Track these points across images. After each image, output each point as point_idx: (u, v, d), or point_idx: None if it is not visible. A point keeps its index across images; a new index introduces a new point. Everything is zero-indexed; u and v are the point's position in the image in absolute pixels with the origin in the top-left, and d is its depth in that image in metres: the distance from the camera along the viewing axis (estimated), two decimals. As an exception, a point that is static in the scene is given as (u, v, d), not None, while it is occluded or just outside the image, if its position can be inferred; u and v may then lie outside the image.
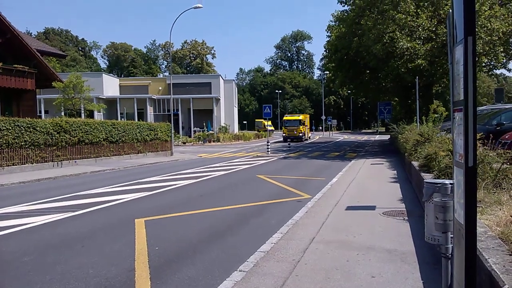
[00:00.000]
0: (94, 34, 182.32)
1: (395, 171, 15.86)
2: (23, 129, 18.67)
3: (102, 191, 12.43)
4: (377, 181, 13.22)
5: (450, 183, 3.57)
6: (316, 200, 10.03)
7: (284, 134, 50.58)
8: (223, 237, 6.93)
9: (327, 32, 36.34)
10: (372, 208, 8.81)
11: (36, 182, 15.67)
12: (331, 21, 35.41)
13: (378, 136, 64.63)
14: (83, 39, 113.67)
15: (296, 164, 21.25)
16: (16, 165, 18.27)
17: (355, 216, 8.11)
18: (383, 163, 19.48)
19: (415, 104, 22.30)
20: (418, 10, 25.40)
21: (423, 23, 24.67)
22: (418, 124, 18.44)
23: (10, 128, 18.06)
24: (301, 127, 49.83)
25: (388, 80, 32.18)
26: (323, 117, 71.52)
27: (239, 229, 7.52)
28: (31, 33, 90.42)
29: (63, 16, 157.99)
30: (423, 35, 24.92)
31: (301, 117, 52.00)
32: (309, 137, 57.40)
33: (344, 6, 32.50)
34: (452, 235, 3.17)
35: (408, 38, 24.61)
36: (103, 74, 57.53)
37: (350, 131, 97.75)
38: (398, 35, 24.45)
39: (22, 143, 18.57)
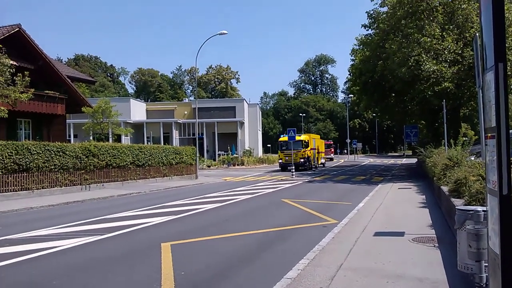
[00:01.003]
0: (122, 61, 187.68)
1: (424, 196, 15.52)
2: (53, 153, 19.16)
3: (129, 215, 12.56)
4: (405, 206, 12.95)
5: (483, 210, 3.48)
6: (342, 225, 9.87)
7: (280, 161, 38.16)
8: (249, 263, 6.88)
9: (351, 56, 36.46)
10: (401, 234, 8.61)
11: (64, 205, 15.97)
12: (355, 44, 35.58)
13: (405, 159, 63.57)
14: (111, 65, 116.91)
15: (321, 188, 21.05)
16: (45, 188, 18.69)
17: (384, 243, 7.93)
18: (411, 187, 19.11)
19: (443, 128, 21.92)
20: (444, 33, 25.24)
21: (449, 46, 24.46)
22: (446, 147, 18.08)
23: (41, 152, 18.57)
24: (303, 150, 37.35)
25: (414, 103, 31.85)
26: (348, 141, 70.91)
27: (264, 254, 7.45)
28: (62, 59, 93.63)
29: (92, 43, 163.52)
30: (449, 58, 24.67)
31: (302, 137, 38.93)
32: (322, 164, 45.81)
33: (368, 30, 32.65)
34: (486, 264, 3.07)
35: (434, 61, 24.40)
36: (131, 99, 58.88)
37: (375, 154, 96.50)
38: (424, 58, 24.28)
39: (52, 167, 19.03)
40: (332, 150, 64.26)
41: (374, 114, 56.26)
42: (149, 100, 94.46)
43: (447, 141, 18.33)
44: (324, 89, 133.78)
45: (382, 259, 6.73)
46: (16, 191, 17.45)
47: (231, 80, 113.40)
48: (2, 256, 7.35)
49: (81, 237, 9.01)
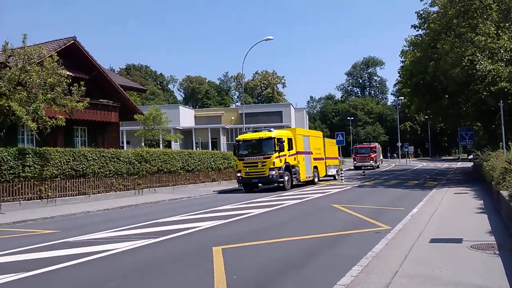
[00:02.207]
0: (171, 69, 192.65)
1: (481, 201, 14.77)
2: (108, 159, 19.91)
3: (181, 219, 12.81)
4: (462, 212, 12.37)
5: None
6: (396, 231, 9.56)
7: (239, 175, 23.19)
8: (300, 268, 6.79)
9: (401, 57, 35.39)
10: (459, 241, 8.22)
11: (119, 209, 16.52)
12: (404, 46, 34.55)
13: (460, 163, 60.99)
14: (161, 73, 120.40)
15: (372, 193, 20.56)
16: (101, 193, 19.43)
17: (440, 249, 7.60)
18: (467, 192, 18.26)
19: (500, 129, 20.82)
20: (499, 31, 24.03)
21: (505, 44, 23.24)
22: (505, 150, 17.16)
23: (96, 158, 19.34)
24: (276, 155, 22.28)
25: (469, 104, 30.50)
26: (399, 144, 68.99)
27: (316, 260, 7.33)
28: (114, 69, 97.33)
29: (142, 53, 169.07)
30: (506, 57, 23.42)
31: (275, 133, 22.97)
32: (332, 176, 30.73)
33: (418, 30, 31.70)
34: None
35: (490, 61, 23.27)
36: (180, 106, 60.33)
37: (428, 158, 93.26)
38: (479, 57, 23.21)
39: (107, 172, 19.77)
40: (373, 156, 50.44)
41: (426, 117, 54.42)
42: (197, 107, 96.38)
43: (505, 144, 17.38)
44: (372, 92, 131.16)
45: (439, 266, 6.44)
46: (73, 195, 18.26)
47: (277, 85, 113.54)
48: (61, 258, 7.67)
49: (136, 240, 9.26)
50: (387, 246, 8.00)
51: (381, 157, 70.27)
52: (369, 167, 42.47)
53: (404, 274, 6.10)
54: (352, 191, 21.42)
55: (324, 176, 29.16)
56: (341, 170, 29.75)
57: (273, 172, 21.87)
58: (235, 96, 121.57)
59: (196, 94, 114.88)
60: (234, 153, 24.23)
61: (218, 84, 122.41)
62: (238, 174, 23.12)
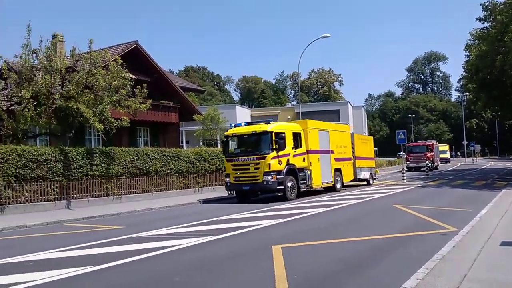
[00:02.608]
0: (228, 69, 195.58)
1: (559, 203, 13.71)
2: (169, 158, 20.53)
3: (240, 217, 12.95)
4: (537, 214, 11.55)
5: None
6: (464, 233, 9.08)
7: (228, 180, 18.39)
8: (362, 269, 6.62)
9: (466, 52, 33.63)
10: (534, 244, 7.67)
11: (180, 206, 16.99)
12: (469, 39, 32.78)
13: (532, 162, 57.09)
14: (218, 74, 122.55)
15: (436, 193, 19.71)
16: (163, 190, 20.08)
17: (514, 253, 7.12)
18: (542, 193, 17.04)
19: None
20: None
21: None
22: None
23: (158, 157, 20.00)
24: (273, 155, 17.29)
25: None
26: (465, 142, 65.72)
27: (378, 261, 7.12)
28: (173, 71, 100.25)
29: (200, 55, 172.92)
30: None
31: (273, 126, 17.80)
32: (366, 180, 25.81)
33: (483, 23, 30.00)
34: None
35: None
36: (236, 106, 61.04)
37: (496, 157, 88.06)
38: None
39: (168, 171, 20.39)
40: (429, 155, 43.51)
41: (493, 113, 51.39)
42: (253, 106, 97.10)
43: None
44: (435, 88, 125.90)
45: (511, 270, 6.04)
46: (137, 193, 19.00)
47: (334, 83, 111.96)
48: (126, 253, 7.99)
49: (197, 237, 9.47)
50: (455, 249, 7.62)
51: (448, 156, 67.81)
52: (424, 168, 34.62)
53: (473, 278, 5.77)
54: (415, 192, 20.65)
55: (352, 181, 23.94)
56: (404, 171, 28.64)
57: (269, 177, 16.72)
58: (291, 95, 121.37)
59: (252, 94, 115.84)
60: (223, 152, 19.87)
61: (273, 83, 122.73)
62: (227, 179, 18.16)
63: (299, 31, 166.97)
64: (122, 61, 18.40)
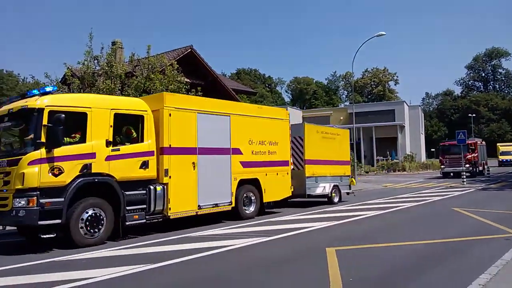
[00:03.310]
0: (279, 71, 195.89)
1: None
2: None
3: (291, 219, 12.94)
4: None
5: None
6: (530, 238, 8.60)
7: None
8: (421, 273, 6.45)
9: (532, 46, 31.71)
10: None
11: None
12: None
13: None
14: (269, 76, 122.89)
15: (499, 196, 18.76)
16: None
17: None
18: None
19: None
20: None
21: None
22: None
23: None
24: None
25: None
26: (529, 143, 61.88)
27: (438, 265, 6.90)
28: (226, 74, 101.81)
29: (252, 57, 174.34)
30: None
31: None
32: (351, 193, 19.36)
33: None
34: None
35: None
36: (288, 107, 60.89)
37: None
38: None
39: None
40: (470, 157, 34.47)
41: None
42: (304, 108, 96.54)
43: None
44: (497, 86, 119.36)
45: None
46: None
47: (389, 82, 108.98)
48: (184, 252, 8.23)
49: (251, 238, 9.59)
50: (520, 255, 7.24)
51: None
52: (465, 173, 27.61)
53: (542, 287, 5.47)
54: (475, 194, 19.75)
55: (296, 196, 15.74)
56: (463, 172, 27.31)
57: (22, 203, 8.36)
58: (344, 96, 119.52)
59: (304, 95, 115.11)
60: None
61: (325, 84, 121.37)
62: None
63: (353, 30, 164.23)
64: (178, 65, 18.93)
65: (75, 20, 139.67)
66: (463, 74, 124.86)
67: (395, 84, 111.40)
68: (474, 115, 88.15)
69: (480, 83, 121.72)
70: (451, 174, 33.87)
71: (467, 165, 32.15)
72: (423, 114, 71.82)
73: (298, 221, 12.35)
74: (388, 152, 52.86)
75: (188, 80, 21.38)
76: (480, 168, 36.50)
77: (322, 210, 14.94)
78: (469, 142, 34.45)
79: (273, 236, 9.75)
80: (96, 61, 18.23)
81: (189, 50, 24.98)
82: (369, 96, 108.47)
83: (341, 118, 60.13)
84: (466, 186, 24.08)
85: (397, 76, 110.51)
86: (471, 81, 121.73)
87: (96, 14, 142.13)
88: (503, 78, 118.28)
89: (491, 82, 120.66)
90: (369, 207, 15.48)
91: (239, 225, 11.70)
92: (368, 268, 6.82)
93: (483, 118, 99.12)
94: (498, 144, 63.74)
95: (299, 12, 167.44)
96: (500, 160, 58.69)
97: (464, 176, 26.53)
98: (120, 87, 18.07)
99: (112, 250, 8.74)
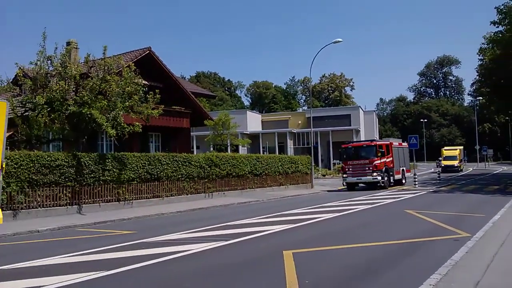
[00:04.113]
0: (238, 75, 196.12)
1: None
2: (180, 163, 20.61)
3: (250, 222, 12.95)
4: (552, 220, 11.38)
5: None
6: (477, 239, 8.99)
7: None
8: (374, 275, 6.58)
9: (479, 55, 33.39)
10: (550, 251, 7.56)
11: (191, 211, 17.04)
12: (483, 43, 32.53)
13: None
14: (229, 80, 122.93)
15: (448, 198, 19.53)
16: (173, 195, 20.15)
17: (529, 260, 7.03)
18: (557, 199, 16.79)
19: None
20: None
21: None
22: None
23: (170, 162, 20.09)
24: None
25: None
26: (477, 147, 65.01)
27: (389, 267, 7.08)
28: (185, 77, 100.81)
29: (211, 61, 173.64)
30: None
31: None
32: None
33: (497, 26, 29.75)
34: None
35: None
36: (247, 111, 61.17)
37: (509, 162, 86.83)
38: None
39: (179, 176, 20.47)
40: (379, 163, 26.47)
41: (507, 118, 50.75)
42: (264, 111, 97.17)
43: None
44: (448, 92, 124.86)
45: (528, 278, 5.96)
46: (148, 198, 19.09)
47: (345, 88, 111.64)
48: (139, 258, 8.04)
49: (208, 242, 9.49)
50: (467, 255, 7.55)
51: (457, 163, 50.64)
52: (374, 183, 25.57)
53: (487, 285, 5.72)
54: (427, 197, 20.49)
55: None
56: (415, 175, 28.28)
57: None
58: (302, 100, 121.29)
59: (263, 99, 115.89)
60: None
61: (284, 88, 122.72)
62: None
63: (311, 36, 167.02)
64: (135, 67, 18.56)
65: (28, 19, 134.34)
66: (416, 81, 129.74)
67: (351, 90, 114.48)
68: (425, 120, 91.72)
69: (431, 90, 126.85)
70: (358, 185, 28.01)
71: (375, 173, 26.12)
72: (377, 119, 74.02)
73: (256, 224, 12.34)
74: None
75: (146, 83, 21.02)
76: (398, 176, 29.38)
77: (280, 213, 15.02)
78: (378, 143, 28.62)
79: (230, 240, 9.68)
80: (49, 61, 17.61)
81: (147, 52, 24.58)
82: (326, 101, 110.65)
83: (299, 122, 60.96)
84: (418, 189, 24.94)
85: (353, 82, 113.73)
86: (423, 88, 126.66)
87: (51, 14, 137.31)
88: (453, 85, 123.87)
89: (442, 88, 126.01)
90: (326, 209, 15.72)
91: (197, 229, 11.58)
92: (324, 270, 6.90)
93: (434, 123, 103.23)
94: (442, 149, 58.73)
95: (259, 17, 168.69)
96: (443, 166, 50.14)
97: (416, 178, 27.44)
98: (74, 89, 17.51)
99: (64, 257, 8.42)
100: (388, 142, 29.73)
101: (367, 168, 25.76)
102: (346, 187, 27.77)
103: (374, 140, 31.31)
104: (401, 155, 30.45)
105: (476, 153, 69.07)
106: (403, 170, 30.46)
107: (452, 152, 53.74)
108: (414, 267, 7.06)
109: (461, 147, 59.17)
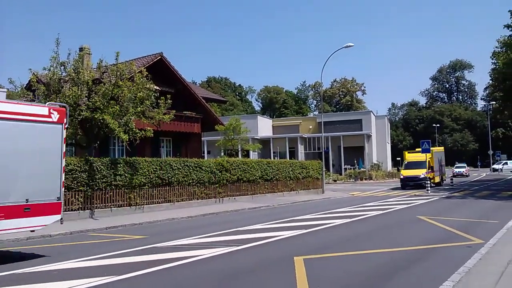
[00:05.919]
0: (249, 80, 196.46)
1: None
2: (191, 168, 20.68)
3: (261, 227, 12.93)
4: None
5: None
6: (490, 245, 8.87)
7: None
8: (386, 281, 6.54)
9: (492, 59, 33.05)
10: None
11: (201, 216, 17.07)
12: (496, 47, 32.22)
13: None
14: (239, 85, 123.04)
15: (461, 204, 19.31)
16: (184, 200, 20.20)
17: (544, 267, 6.92)
18: None
19: None
20: None
21: None
22: None
23: (181, 167, 20.17)
24: None
25: None
26: (490, 152, 64.20)
27: (403, 274, 7.02)
28: (196, 82, 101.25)
29: (223, 66, 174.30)
30: None
31: None
32: None
33: (511, 30, 29.42)
34: None
35: None
36: (258, 116, 61.15)
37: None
38: None
39: (190, 181, 20.53)
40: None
41: (521, 122, 50.08)
42: (274, 116, 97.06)
43: None
44: (460, 97, 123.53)
45: (544, 286, 5.87)
46: (159, 203, 19.17)
47: (357, 93, 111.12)
48: (150, 263, 8.08)
49: (219, 247, 9.51)
50: (481, 261, 7.46)
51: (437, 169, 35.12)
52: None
53: (501, 293, 5.64)
54: (439, 203, 20.27)
55: None
56: (428, 181, 28.03)
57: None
58: (313, 105, 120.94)
59: (274, 104, 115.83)
60: None
61: (295, 93, 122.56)
62: None
63: (322, 41, 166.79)
64: (147, 72, 18.70)
65: (42, 24, 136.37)
66: (428, 85, 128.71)
67: (362, 94, 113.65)
68: (438, 125, 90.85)
69: (444, 94, 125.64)
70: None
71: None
72: (389, 124, 73.46)
73: (267, 230, 12.34)
74: (355, 161, 53.70)
75: (157, 88, 21.15)
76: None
77: (291, 218, 15.00)
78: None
79: (241, 246, 9.69)
80: (62, 67, 17.83)
81: (159, 57, 24.76)
82: (338, 106, 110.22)
83: (310, 127, 60.78)
84: (430, 195, 24.70)
85: (365, 87, 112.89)
86: (436, 92, 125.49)
87: (64, 19, 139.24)
88: (466, 90, 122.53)
89: (455, 93, 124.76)
90: (336, 215, 15.64)
91: (207, 235, 11.60)
92: (336, 277, 6.86)
93: (446, 128, 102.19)
94: (405, 151, 39.20)
95: (271, 21, 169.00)
96: (401, 177, 33.18)
97: (428, 184, 27.26)
98: (87, 94, 17.70)
99: (76, 262, 8.49)
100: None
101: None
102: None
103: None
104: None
105: (489, 158, 68.15)
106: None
107: (417, 156, 32.53)
108: (427, 274, 6.99)
109: (441, 148, 43.65)
